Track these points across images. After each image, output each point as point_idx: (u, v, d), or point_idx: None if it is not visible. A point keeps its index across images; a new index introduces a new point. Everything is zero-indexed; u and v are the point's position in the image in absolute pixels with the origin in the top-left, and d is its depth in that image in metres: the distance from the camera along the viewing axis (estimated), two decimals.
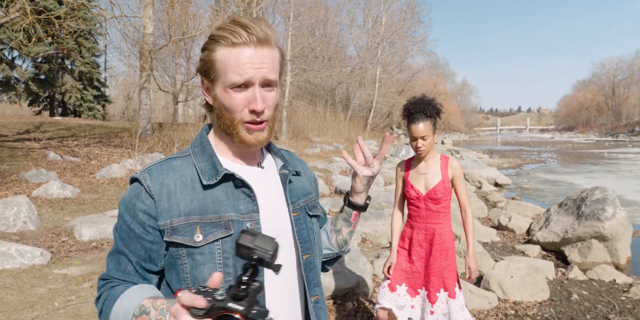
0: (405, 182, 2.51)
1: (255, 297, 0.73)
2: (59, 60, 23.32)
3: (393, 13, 33.90)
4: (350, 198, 1.15)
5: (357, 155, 1.09)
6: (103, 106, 26.56)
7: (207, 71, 0.96)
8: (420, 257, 2.44)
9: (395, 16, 34.62)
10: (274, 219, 1.02)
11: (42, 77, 23.05)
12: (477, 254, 4.55)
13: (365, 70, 33.54)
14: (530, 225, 6.17)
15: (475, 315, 3.47)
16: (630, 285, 4.19)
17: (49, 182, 7.19)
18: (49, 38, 13.16)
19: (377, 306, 2.49)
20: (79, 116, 24.15)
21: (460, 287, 2.44)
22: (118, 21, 13.02)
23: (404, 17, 35.18)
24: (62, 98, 24.19)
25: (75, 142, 11.53)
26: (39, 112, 24.49)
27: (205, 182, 0.97)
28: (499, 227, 6.74)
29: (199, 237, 0.93)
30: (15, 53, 21.45)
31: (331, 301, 3.60)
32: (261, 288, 0.74)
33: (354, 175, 1.11)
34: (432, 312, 2.36)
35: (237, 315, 0.70)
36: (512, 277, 3.88)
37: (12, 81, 21.74)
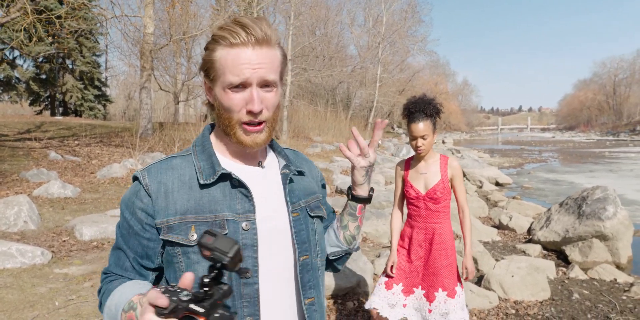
0: (404, 181, 2.51)
1: (220, 300, 0.72)
2: (60, 60, 23.33)
3: (394, 12, 33.89)
4: (353, 191, 1.13)
5: (352, 147, 1.08)
6: (104, 106, 26.57)
7: (208, 71, 0.97)
8: (419, 256, 2.44)
9: (396, 15, 34.62)
10: (273, 219, 1.01)
11: (43, 76, 23.06)
12: (478, 253, 4.56)
13: (366, 70, 33.52)
14: (531, 225, 6.16)
15: (476, 315, 3.47)
16: (631, 284, 4.18)
17: (50, 181, 7.19)
18: (50, 38, 13.15)
19: (368, 304, 2.48)
20: (80, 116, 24.17)
21: (462, 286, 2.43)
22: (119, 21, 13.03)
23: (405, 17, 35.17)
24: (63, 98, 24.21)
25: (76, 142, 11.54)
26: (40, 112, 24.52)
27: (202, 182, 0.97)
28: (499, 227, 6.74)
29: (193, 236, 0.93)
30: (16, 53, 21.48)
31: (332, 301, 3.60)
32: (228, 292, 0.73)
33: (352, 167, 1.10)
34: (430, 311, 2.36)
35: (199, 318, 0.69)
36: (512, 276, 3.87)
37: (13, 81, 21.75)
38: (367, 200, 1.13)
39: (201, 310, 0.69)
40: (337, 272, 1.27)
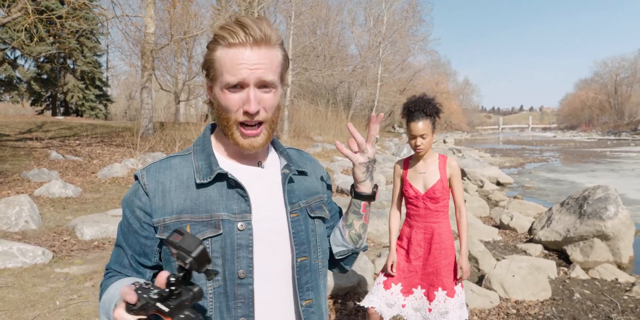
0: (403, 181, 2.50)
1: (190, 301, 0.71)
2: (61, 60, 23.37)
3: (394, 12, 33.86)
4: (356, 189, 1.11)
5: (352, 145, 1.07)
6: (105, 105, 26.61)
7: (208, 70, 0.97)
8: (418, 256, 2.44)
9: (396, 15, 34.59)
10: (272, 219, 1.01)
11: (44, 76, 23.10)
12: (479, 253, 4.55)
13: (366, 69, 33.52)
14: (532, 224, 6.15)
15: (476, 315, 3.47)
16: (633, 284, 4.17)
17: (51, 181, 7.20)
18: (51, 38, 13.18)
19: (366, 302, 2.47)
20: (81, 115, 24.22)
21: (462, 286, 2.43)
22: (119, 21, 13.03)
23: (406, 16, 35.14)
24: (64, 97, 24.25)
25: (77, 142, 11.56)
26: (41, 112, 24.57)
27: (198, 181, 0.97)
28: (500, 226, 6.73)
29: None
30: (18, 53, 21.50)
31: (332, 300, 3.60)
32: (198, 294, 0.72)
33: (353, 164, 1.09)
34: (430, 310, 2.36)
35: (165, 318, 0.68)
36: (513, 276, 3.87)
37: (15, 81, 21.79)
38: (370, 197, 1.11)
39: (166, 309, 0.68)
40: (345, 272, 1.25)
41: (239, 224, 0.95)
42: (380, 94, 32.55)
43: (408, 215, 2.52)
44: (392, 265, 2.48)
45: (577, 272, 4.51)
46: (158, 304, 0.68)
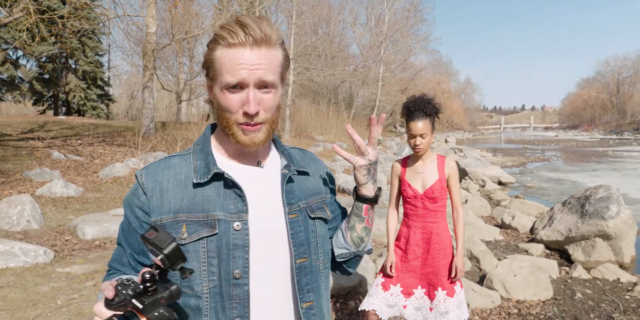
0: (401, 180, 2.50)
1: (166, 300, 0.70)
2: (63, 60, 23.42)
3: (396, 11, 33.83)
4: (358, 192, 1.09)
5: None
6: (107, 105, 26.67)
7: (208, 70, 0.97)
8: (416, 256, 2.43)
9: (398, 14, 34.55)
10: (272, 219, 1.00)
11: (46, 76, 23.17)
12: (480, 253, 4.55)
13: (368, 69, 33.49)
14: (534, 224, 6.14)
15: (478, 314, 3.46)
16: (635, 284, 4.16)
17: (53, 181, 7.21)
18: (53, 37, 13.19)
19: (365, 306, 2.45)
20: (83, 115, 24.27)
21: (461, 286, 2.43)
22: (121, 20, 13.04)
23: (407, 15, 35.10)
24: (66, 97, 24.30)
25: (79, 141, 11.58)
26: (43, 111, 24.63)
27: (195, 181, 0.97)
28: (502, 226, 6.72)
29: (184, 235, 0.93)
30: (20, 53, 21.57)
31: (333, 300, 3.60)
32: (175, 292, 0.72)
33: (354, 167, 1.07)
34: (430, 309, 2.36)
35: (139, 315, 0.68)
36: (515, 275, 3.86)
37: (17, 81, 21.85)
38: (372, 200, 1.09)
39: (140, 305, 0.68)
40: (349, 275, 1.22)
41: (235, 224, 0.95)
42: (381, 94, 32.53)
43: (406, 215, 2.51)
44: (390, 266, 2.47)
45: (579, 272, 4.50)
46: (133, 301, 0.68)
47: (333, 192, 1.20)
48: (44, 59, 22.15)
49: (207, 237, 0.93)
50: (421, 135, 2.34)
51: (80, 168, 8.94)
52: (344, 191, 8.72)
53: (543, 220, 5.92)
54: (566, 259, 5.22)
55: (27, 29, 9.55)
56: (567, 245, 5.34)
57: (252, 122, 0.94)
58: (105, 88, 26.35)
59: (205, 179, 0.97)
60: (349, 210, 1.17)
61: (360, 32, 36.69)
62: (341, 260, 1.15)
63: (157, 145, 11.58)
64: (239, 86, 0.92)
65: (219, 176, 0.97)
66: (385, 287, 2.45)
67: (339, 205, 1.23)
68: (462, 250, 2.41)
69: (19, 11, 8.89)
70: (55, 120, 16.27)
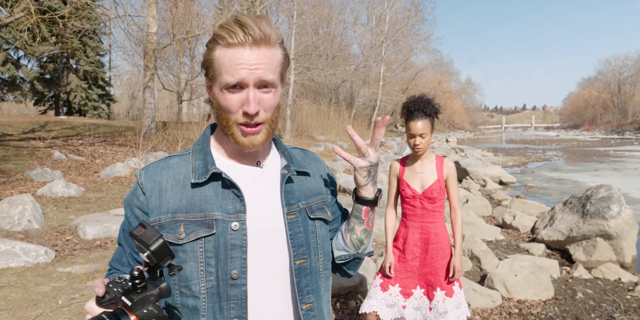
0: (400, 180, 2.50)
1: (155, 297, 0.70)
2: (64, 60, 23.45)
3: (397, 11, 33.84)
4: (357, 193, 1.08)
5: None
6: (108, 105, 26.69)
7: (207, 70, 0.96)
8: (415, 256, 2.43)
9: (399, 14, 34.56)
10: (272, 219, 0.99)
11: (47, 76, 23.18)
12: (481, 253, 4.55)
13: (369, 69, 33.50)
14: (535, 224, 6.13)
15: (479, 314, 3.46)
16: (636, 284, 4.15)
17: (54, 181, 7.22)
18: (54, 38, 13.19)
19: (366, 308, 2.44)
20: (84, 115, 24.29)
21: (460, 286, 2.43)
22: (122, 20, 13.04)
23: (408, 15, 35.09)
24: (67, 97, 24.33)
25: (80, 141, 11.59)
26: (44, 112, 24.66)
27: (193, 181, 0.97)
28: (503, 226, 6.71)
29: (181, 235, 0.93)
30: (21, 53, 21.59)
31: (334, 300, 3.60)
32: (165, 290, 0.72)
33: (354, 168, 1.05)
34: (430, 309, 2.36)
35: (129, 312, 0.68)
36: (516, 275, 3.86)
37: (18, 81, 21.88)
38: (372, 202, 1.07)
39: (129, 303, 0.68)
40: (349, 277, 1.21)
41: (233, 224, 0.94)
42: (382, 93, 32.53)
43: (404, 215, 2.51)
44: (389, 267, 2.47)
45: (580, 272, 4.50)
46: (123, 298, 0.69)
47: (334, 193, 1.19)
48: (45, 59, 22.17)
49: (204, 237, 0.93)
50: (421, 135, 2.34)
51: (81, 168, 8.95)
52: (344, 191, 8.72)
53: (544, 220, 5.91)
54: (567, 259, 5.22)
55: (28, 29, 9.55)
56: (568, 245, 5.33)
57: (252, 122, 0.94)
58: (106, 88, 26.37)
59: (204, 179, 0.96)
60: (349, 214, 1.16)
61: (361, 31, 36.71)
62: (341, 262, 1.14)
63: (158, 145, 11.59)
64: (239, 86, 0.92)
65: (217, 176, 0.97)
66: (384, 288, 2.45)
67: (340, 206, 1.22)
68: (460, 251, 2.41)
69: (19, 11, 8.90)
70: (57, 120, 16.29)
